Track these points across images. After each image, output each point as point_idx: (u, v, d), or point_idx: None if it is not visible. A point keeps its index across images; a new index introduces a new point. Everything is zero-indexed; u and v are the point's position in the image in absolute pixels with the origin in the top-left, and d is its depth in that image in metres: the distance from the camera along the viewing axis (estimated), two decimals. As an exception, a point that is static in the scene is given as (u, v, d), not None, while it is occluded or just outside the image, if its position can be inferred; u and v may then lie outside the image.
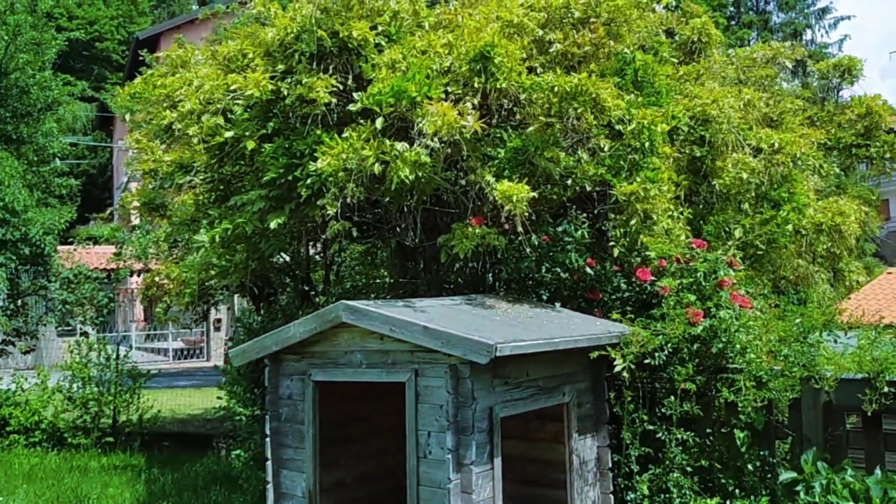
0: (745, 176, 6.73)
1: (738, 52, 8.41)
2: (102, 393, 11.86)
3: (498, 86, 5.25)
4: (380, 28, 6.08)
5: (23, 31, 14.04)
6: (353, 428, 5.58)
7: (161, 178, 6.92)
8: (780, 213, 6.91)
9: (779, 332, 5.66)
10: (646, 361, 5.38)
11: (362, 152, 5.02)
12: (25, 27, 14.24)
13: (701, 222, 6.84)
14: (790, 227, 6.85)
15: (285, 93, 5.61)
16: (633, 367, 5.28)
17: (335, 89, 5.57)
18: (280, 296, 8.83)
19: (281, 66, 5.81)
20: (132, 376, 12.12)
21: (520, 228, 5.05)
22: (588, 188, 5.80)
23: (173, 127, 5.74)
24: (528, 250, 5.73)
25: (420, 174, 5.19)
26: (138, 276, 13.12)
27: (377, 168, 5.13)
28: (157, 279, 10.89)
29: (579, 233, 5.85)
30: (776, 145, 6.86)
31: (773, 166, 6.85)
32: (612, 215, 5.84)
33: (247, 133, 5.74)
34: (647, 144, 5.77)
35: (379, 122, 5.19)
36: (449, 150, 5.22)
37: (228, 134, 5.76)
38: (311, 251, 8.61)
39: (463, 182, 5.66)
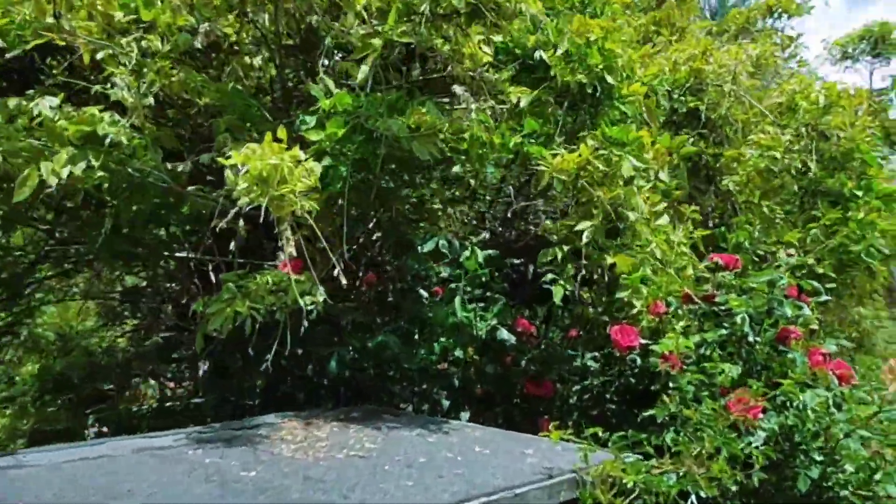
0: (777, 156, 3.92)
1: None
2: None
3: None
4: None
5: None
6: None
7: None
8: (851, 214, 3.96)
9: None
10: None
11: None
12: None
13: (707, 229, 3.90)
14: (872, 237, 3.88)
15: None
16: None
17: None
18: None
19: None
20: None
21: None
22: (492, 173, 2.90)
23: None
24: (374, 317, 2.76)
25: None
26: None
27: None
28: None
29: (429, 243, 2.85)
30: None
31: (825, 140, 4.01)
32: (548, 223, 2.92)
33: None
34: (602, 76, 2.92)
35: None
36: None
37: None
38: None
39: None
